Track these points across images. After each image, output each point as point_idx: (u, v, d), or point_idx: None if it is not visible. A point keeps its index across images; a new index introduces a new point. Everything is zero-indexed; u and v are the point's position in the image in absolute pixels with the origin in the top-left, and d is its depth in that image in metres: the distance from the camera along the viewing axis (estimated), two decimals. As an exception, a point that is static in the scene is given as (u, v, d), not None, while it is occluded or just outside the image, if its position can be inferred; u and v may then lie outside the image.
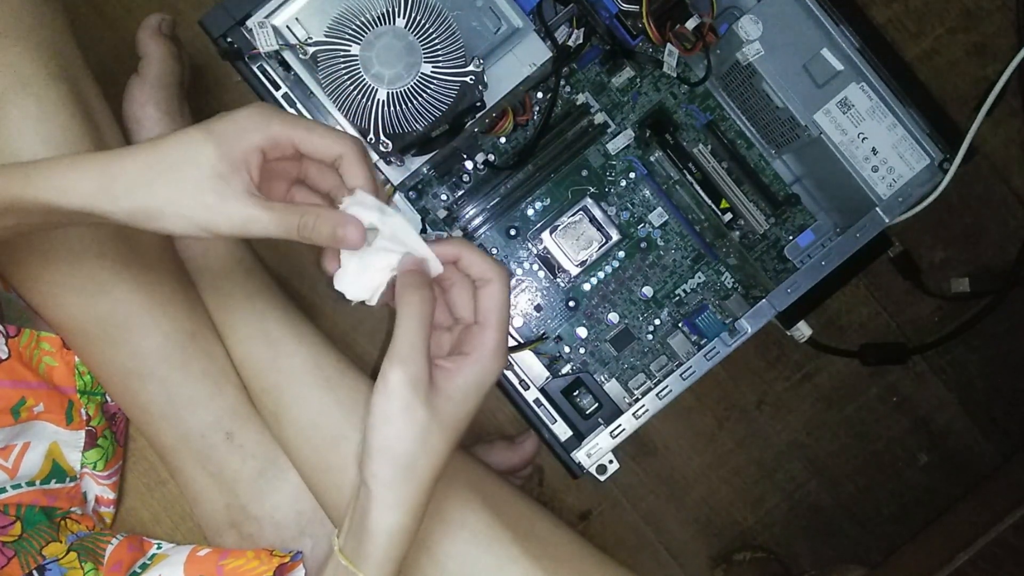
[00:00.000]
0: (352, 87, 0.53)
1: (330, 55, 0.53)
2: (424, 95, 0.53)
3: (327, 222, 0.44)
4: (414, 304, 0.44)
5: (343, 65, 0.53)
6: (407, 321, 0.43)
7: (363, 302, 0.47)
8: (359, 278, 0.46)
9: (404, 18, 0.52)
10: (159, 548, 0.66)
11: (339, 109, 0.55)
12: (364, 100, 0.53)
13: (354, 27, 0.53)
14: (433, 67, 0.53)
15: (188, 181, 0.42)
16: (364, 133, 0.55)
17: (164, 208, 0.42)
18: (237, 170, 0.42)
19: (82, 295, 0.60)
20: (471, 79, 0.54)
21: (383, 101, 0.53)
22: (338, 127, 0.59)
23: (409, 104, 0.53)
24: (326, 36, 0.54)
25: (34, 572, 0.59)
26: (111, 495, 0.71)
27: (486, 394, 0.46)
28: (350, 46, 0.53)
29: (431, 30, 0.53)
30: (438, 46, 0.53)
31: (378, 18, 0.53)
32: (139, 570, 0.62)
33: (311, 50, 0.56)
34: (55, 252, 0.58)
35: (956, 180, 0.64)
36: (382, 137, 0.54)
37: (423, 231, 0.66)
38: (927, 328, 0.84)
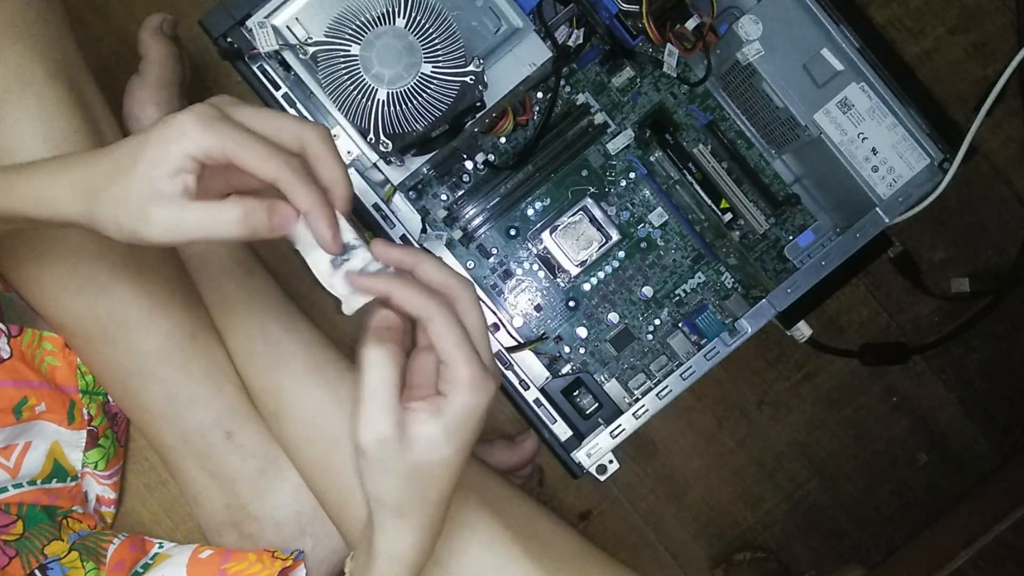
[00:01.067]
0: (352, 87, 0.53)
1: (330, 55, 0.53)
2: (424, 95, 0.53)
3: (256, 211, 0.41)
4: (376, 364, 0.42)
5: (343, 65, 0.53)
6: (371, 382, 0.42)
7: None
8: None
9: (404, 18, 0.52)
10: (161, 548, 0.66)
11: (339, 109, 0.55)
12: (364, 100, 0.53)
13: (354, 27, 0.53)
14: (433, 67, 0.53)
15: (123, 187, 0.41)
16: (364, 133, 0.55)
17: (104, 219, 0.41)
18: (171, 183, 0.40)
19: (82, 295, 0.60)
20: (471, 79, 0.54)
21: (383, 101, 0.53)
22: (338, 127, 0.59)
23: (409, 104, 0.53)
24: (326, 36, 0.54)
25: (36, 571, 0.59)
26: (112, 495, 0.71)
27: (480, 418, 0.43)
28: (350, 46, 0.53)
29: (431, 30, 0.53)
30: (438, 46, 0.53)
31: (378, 18, 0.53)
32: (141, 570, 0.62)
33: (311, 50, 0.56)
34: (55, 252, 0.58)
35: (956, 180, 0.64)
36: (382, 137, 0.54)
37: (423, 231, 0.66)
38: (927, 328, 0.84)
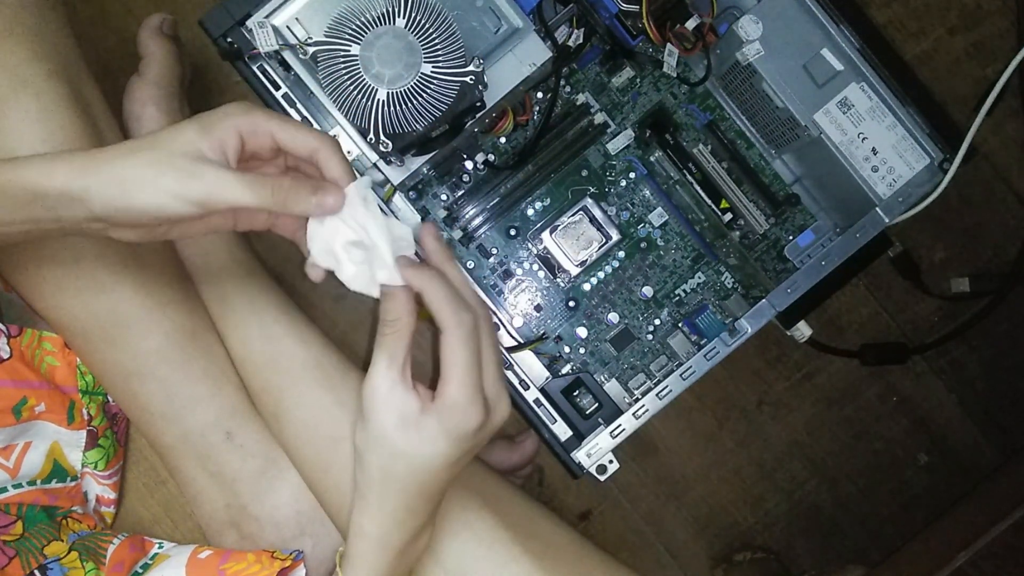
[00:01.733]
0: (352, 87, 0.53)
1: (330, 55, 0.53)
2: (424, 95, 0.53)
3: (305, 185, 0.44)
4: (387, 334, 0.44)
5: (343, 65, 0.53)
6: (380, 343, 0.44)
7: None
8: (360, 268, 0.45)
9: (404, 18, 0.52)
10: (160, 548, 0.66)
11: (339, 109, 0.55)
12: (364, 100, 0.53)
13: (354, 27, 0.53)
14: (433, 67, 0.53)
15: (164, 152, 0.42)
16: (364, 133, 0.55)
17: (138, 178, 0.42)
18: (213, 147, 0.43)
19: (82, 296, 0.60)
20: (471, 79, 0.54)
21: (383, 101, 0.53)
22: (338, 127, 0.59)
23: (409, 104, 0.53)
24: (326, 36, 0.54)
25: (35, 572, 0.59)
26: (112, 495, 0.71)
27: (464, 438, 0.44)
28: (350, 46, 0.53)
29: (431, 30, 0.53)
30: (438, 46, 0.53)
31: (378, 18, 0.53)
32: (140, 570, 0.62)
33: (311, 50, 0.56)
34: (55, 253, 0.58)
35: (956, 180, 0.64)
36: (382, 137, 0.54)
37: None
38: (927, 328, 0.84)
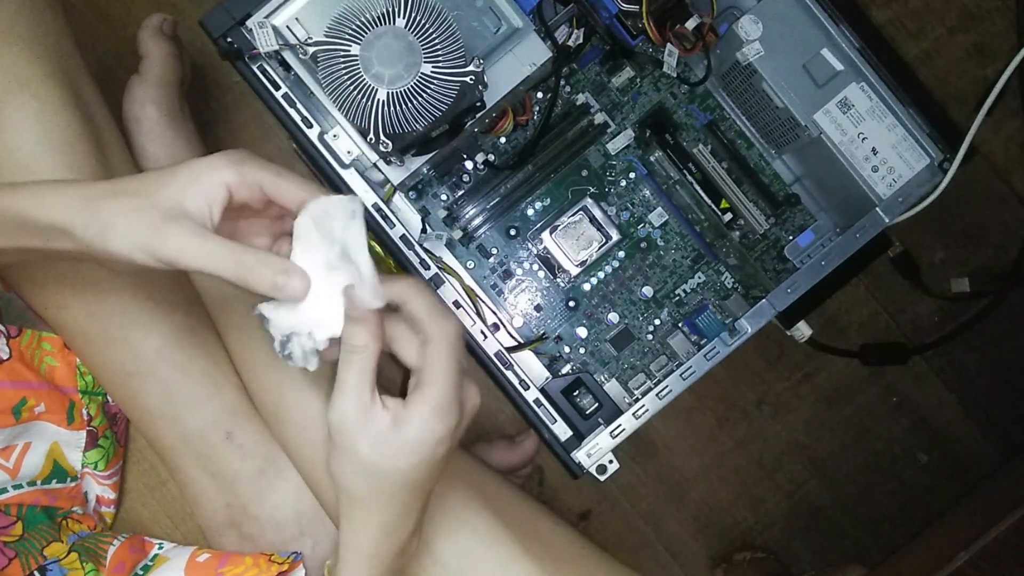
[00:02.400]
0: (352, 87, 0.53)
1: (330, 55, 0.53)
2: (424, 95, 0.53)
3: (269, 266, 0.43)
4: (357, 350, 0.44)
5: (343, 65, 0.53)
6: (348, 369, 0.44)
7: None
8: (308, 312, 0.44)
9: (404, 18, 0.52)
10: (160, 549, 0.66)
11: (339, 109, 0.55)
12: (364, 100, 0.53)
13: (354, 27, 0.53)
14: (433, 67, 0.53)
15: (143, 202, 0.42)
16: (364, 133, 0.55)
17: (113, 224, 0.42)
18: (197, 200, 0.42)
19: (82, 297, 0.60)
20: (471, 79, 0.54)
21: (383, 101, 0.53)
22: (338, 126, 0.59)
23: (409, 104, 0.53)
24: (326, 36, 0.54)
25: (35, 573, 0.59)
26: (112, 495, 0.71)
27: (439, 442, 0.44)
28: (350, 46, 0.53)
29: (431, 30, 0.53)
30: (438, 46, 0.53)
31: (378, 18, 0.53)
32: (141, 572, 0.62)
33: (311, 50, 0.56)
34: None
35: (956, 180, 0.64)
36: (382, 137, 0.54)
37: (423, 231, 0.66)
38: (927, 328, 0.84)
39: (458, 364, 0.45)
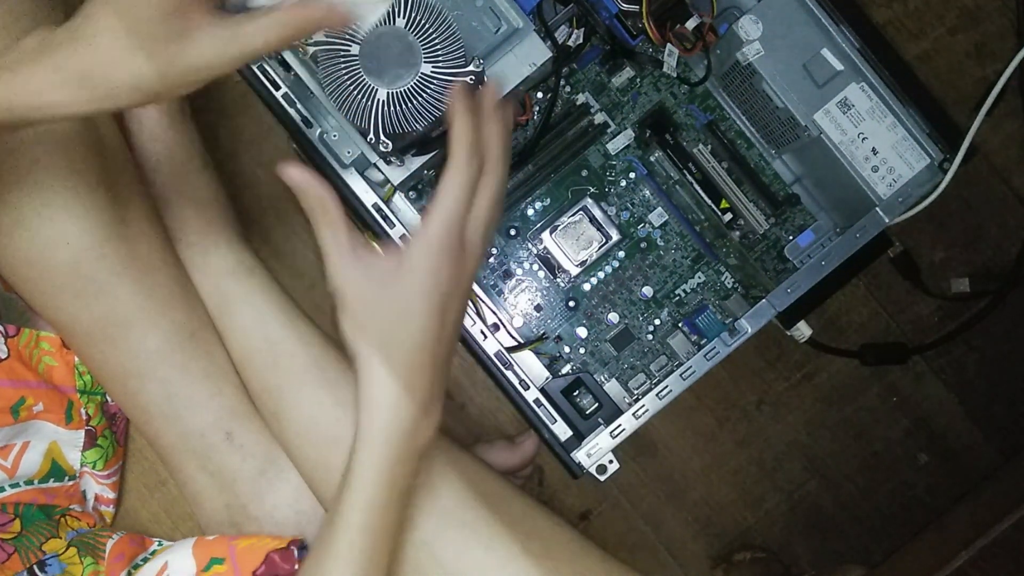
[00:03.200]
0: (352, 87, 0.53)
1: (330, 55, 0.53)
2: (424, 95, 0.53)
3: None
4: (320, 225, 0.46)
5: (343, 65, 0.53)
6: (321, 236, 0.46)
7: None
8: None
9: (404, 18, 0.52)
10: (160, 545, 0.66)
11: (339, 109, 0.55)
12: (364, 100, 0.53)
13: (354, 27, 0.53)
14: (433, 67, 0.53)
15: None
16: (364, 133, 0.55)
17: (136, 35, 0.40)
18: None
19: (81, 297, 0.59)
20: (471, 79, 0.54)
21: (383, 101, 0.53)
22: (340, 126, 0.59)
23: (409, 104, 0.53)
24: (326, 36, 0.54)
25: (34, 567, 0.59)
26: (111, 494, 0.71)
27: (442, 275, 0.45)
28: (350, 46, 0.53)
29: (431, 30, 0.53)
30: (438, 46, 0.53)
31: (378, 18, 0.53)
32: (141, 562, 0.62)
33: (311, 50, 0.56)
34: (54, 253, 0.58)
35: (956, 180, 0.64)
36: (382, 137, 0.54)
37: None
38: (927, 328, 0.84)
39: (463, 202, 0.45)
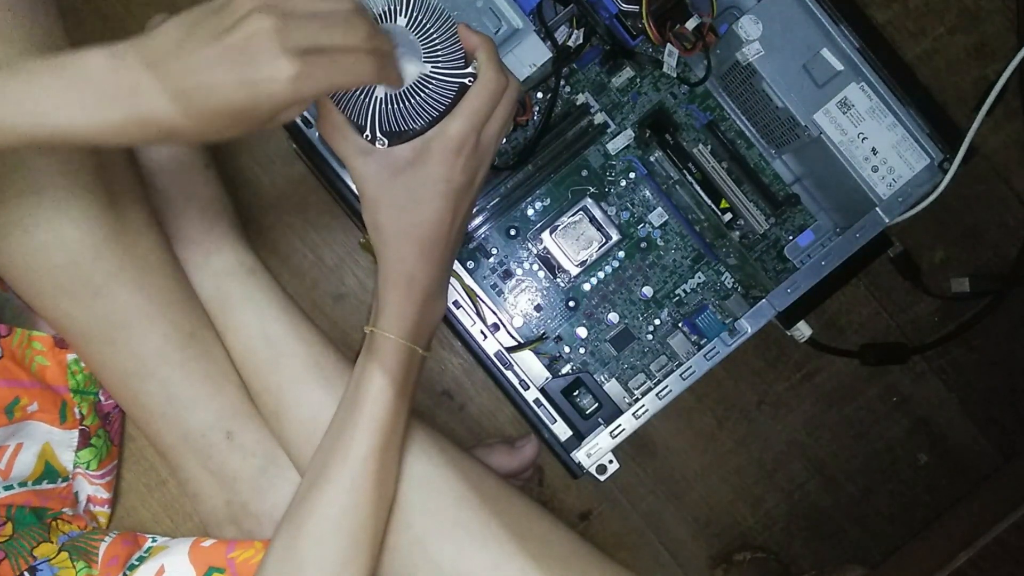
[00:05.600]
0: (352, 86, 0.53)
1: (330, 55, 0.53)
2: (423, 94, 0.53)
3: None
4: (329, 132, 0.51)
5: (343, 64, 0.53)
6: (333, 143, 0.51)
7: None
8: None
9: (404, 17, 0.52)
10: (154, 542, 0.65)
11: (336, 105, 0.55)
12: (362, 97, 0.53)
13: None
14: (432, 67, 0.53)
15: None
16: (360, 130, 0.55)
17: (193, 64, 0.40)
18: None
19: (80, 297, 0.59)
20: (471, 79, 0.54)
21: (381, 99, 0.53)
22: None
23: (407, 103, 0.53)
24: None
25: (25, 573, 0.59)
26: (105, 495, 0.70)
27: (456, 167, 0.49)
28: (350, 45, 0.53)
29: (431, 29, 0.53)
30: (438, 46, 0.53)
31: (378, 17, 0.53)
32: (137, 562, 0.62)
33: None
34: (52, 254, 0.58)
35: (956, 180, 0.64)
36: (378, 134, 0.54)
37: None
38: (927, 328, 0.84)
39: (486, 110, 0.49)
